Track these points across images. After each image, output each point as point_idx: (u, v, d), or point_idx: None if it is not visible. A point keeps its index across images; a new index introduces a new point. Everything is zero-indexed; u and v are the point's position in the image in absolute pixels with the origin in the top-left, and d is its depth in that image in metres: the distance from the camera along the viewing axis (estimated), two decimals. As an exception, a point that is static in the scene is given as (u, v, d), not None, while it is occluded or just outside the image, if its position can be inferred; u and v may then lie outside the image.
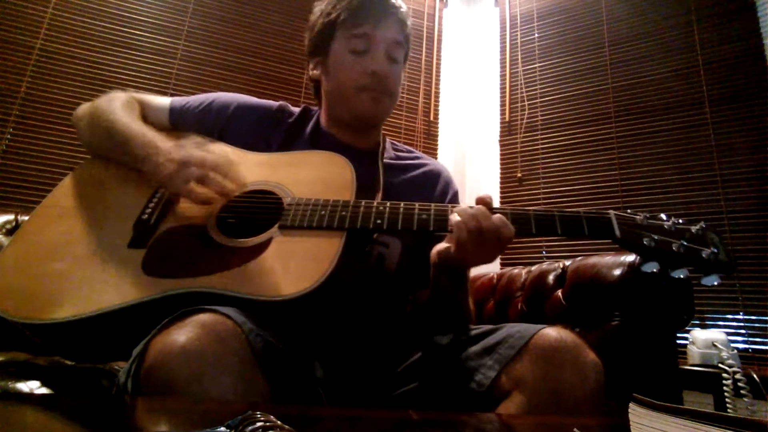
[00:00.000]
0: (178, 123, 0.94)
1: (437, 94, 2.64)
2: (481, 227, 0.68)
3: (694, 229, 0.69)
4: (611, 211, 0.72)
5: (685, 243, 0.67)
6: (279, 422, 0.31)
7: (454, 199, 1.01)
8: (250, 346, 0.55)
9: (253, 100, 0.98)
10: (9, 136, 1.86)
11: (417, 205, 0.74)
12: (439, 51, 2.71)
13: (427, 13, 2.71)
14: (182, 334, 0.53)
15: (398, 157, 1.01)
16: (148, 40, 2.15)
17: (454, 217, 0.70)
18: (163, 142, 0.80)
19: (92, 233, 0.78)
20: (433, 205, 0.74)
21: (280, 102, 1.00)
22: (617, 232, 0.69)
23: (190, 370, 0.51)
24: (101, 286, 0.69)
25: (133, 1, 2.16)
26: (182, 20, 2.22)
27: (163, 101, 0.97)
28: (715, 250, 0.67)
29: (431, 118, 2.59)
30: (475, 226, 0.68)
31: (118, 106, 0.89)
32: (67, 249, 0.75)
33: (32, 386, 0.85)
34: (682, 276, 0.68)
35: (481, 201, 0.72)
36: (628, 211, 0.72)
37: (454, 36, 2.78)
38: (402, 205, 0.75)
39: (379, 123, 0.98)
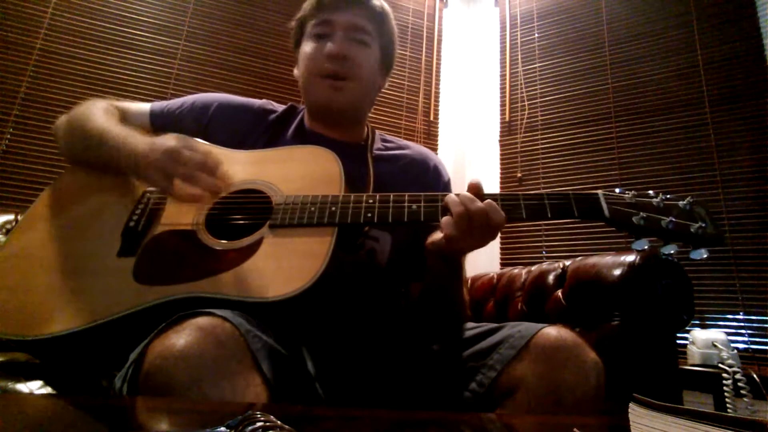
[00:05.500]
0: (159, 126, 0.92)
1: (437, 94, 2.64)
2: (468, 211, 0.68)
3: (681, 204, 0.70)
4: (599, 191, 0.72)
5: (674, 219, 0.68)
6: (279, 422, 0.31)
7: (447, 188, 0.99)
8: (248, 349, 0.54)
9: (235, 99, 0.97)
10: (9, 136, 1.86)
11: (407, 195, 0.74)
12: (439, 51, 2.71)
13: (427, 13, 2.71)
14: (180, 337, 0.53)
15: (387, 148, 0.99)
16: (148, 40, 2.15)
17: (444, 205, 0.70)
18: (141, 139, 0.78)
19: (79, 244, 0.77)
20: (423, 195, 0.73)
21: (263, 99, 0.99)
22: (606, 212, 0.69)
23: (189, 375, 0.50)
24: (93, 297, 0.68)
25: (133, 1, 2.16)
26: (182, 20, 2.22)
27: (143, 106, 0.95)
28: (703, 224, 0.68)
29: (431, 118, 2.59)
30: (462, 211, 0.68)
31: (96, 111, 0.88)
32: (53, 262, 0.74)
33: (32, 386, 0.84)
34: (672, 252, 0.69)
35: (471, 187, 0.72)
36: (616, 190, 0.72)
37: (454, 36, 2.78)
38: (392, 196, 0.74)
39: (346, 112, 0.93)
